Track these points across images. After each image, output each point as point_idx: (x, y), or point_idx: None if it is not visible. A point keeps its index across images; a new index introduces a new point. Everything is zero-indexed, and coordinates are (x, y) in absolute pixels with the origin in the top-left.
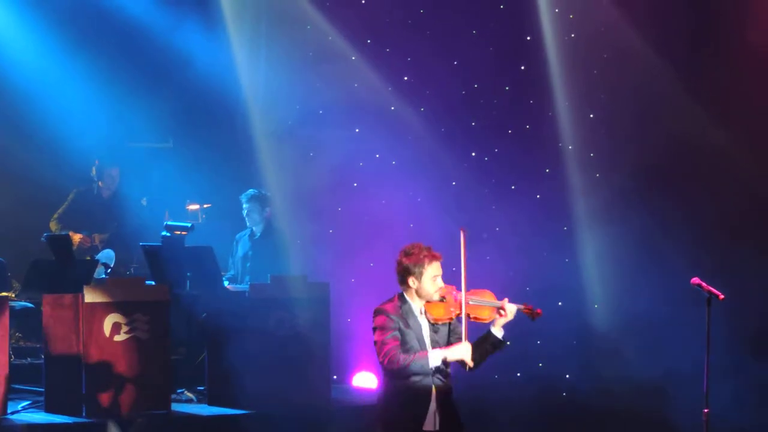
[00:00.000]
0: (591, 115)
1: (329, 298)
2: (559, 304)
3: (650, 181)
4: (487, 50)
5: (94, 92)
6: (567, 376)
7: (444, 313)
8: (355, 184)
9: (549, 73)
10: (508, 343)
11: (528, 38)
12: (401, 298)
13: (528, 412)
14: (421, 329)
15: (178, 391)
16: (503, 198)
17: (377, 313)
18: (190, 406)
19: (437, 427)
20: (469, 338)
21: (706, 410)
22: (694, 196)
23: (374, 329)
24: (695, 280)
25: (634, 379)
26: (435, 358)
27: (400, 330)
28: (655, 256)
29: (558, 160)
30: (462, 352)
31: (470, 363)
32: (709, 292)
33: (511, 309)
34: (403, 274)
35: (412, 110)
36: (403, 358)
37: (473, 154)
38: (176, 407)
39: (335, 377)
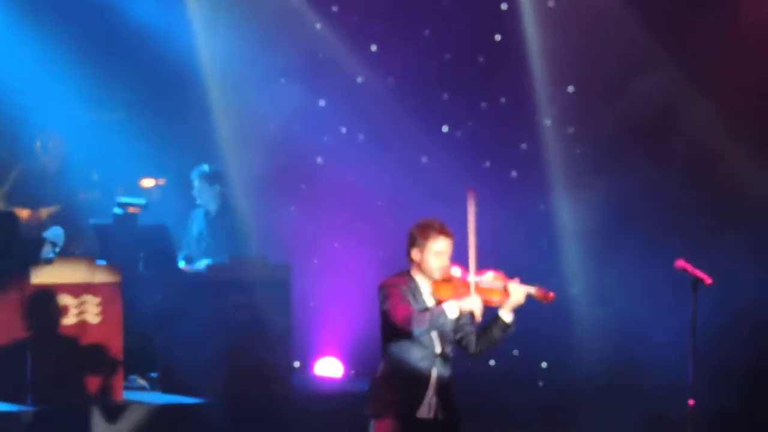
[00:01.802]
0: (568, 89)
1: (291, 281)
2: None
3: (631, 157)
4: (460, 20)
5: (45, 62)
6: (544, 364)
7: (451, 294)
8: (319, 160)
9: (525, 44)
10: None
11: (503, 7)
12: (408, 274)
13: (502, 400)
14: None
15: (130, 377)
16: (476, 175)
17: (387, 286)
18: (142, 393)
19: (431, 415)
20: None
21: (691, 401)
22: (675, 172)
23: (385, 299)
24: (680, 263)
25: (613, 364)
26: (450, 308)
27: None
28: (636, 237)
29: (535, 136)
30: (474, 302)
31: (478, 318)
32: (695, 275)
33: (517, 290)
34: (409, 243)
35: (380, 82)
36: (422, 317)
37: (445, 128)
38: (128, 395)
39: (297, 364)
